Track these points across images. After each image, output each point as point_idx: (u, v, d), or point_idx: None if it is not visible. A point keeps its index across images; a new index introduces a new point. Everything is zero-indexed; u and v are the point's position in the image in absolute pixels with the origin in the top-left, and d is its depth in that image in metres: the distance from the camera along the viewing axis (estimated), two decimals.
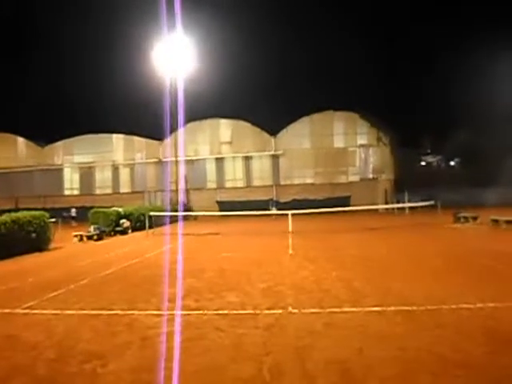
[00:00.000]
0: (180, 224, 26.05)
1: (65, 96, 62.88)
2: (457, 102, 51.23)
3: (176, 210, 30.37)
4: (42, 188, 44.61)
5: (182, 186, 38.74)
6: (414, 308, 6.77)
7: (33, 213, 17.45)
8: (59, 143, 46.13)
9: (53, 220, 19.39)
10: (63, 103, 61.44)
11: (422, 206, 26.81)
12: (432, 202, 23.91)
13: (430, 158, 64.36)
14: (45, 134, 46.47)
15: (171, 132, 39.23)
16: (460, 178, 40.28)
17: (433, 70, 76.43)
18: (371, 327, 5.98)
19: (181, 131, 38.85)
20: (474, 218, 21.14)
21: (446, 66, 71.57)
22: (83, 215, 26.40)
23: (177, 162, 38.91)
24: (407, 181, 36.15)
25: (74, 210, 34.99)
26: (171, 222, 25.42)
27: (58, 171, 45.90)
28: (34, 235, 16.68)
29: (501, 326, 5.79)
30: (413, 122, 53.33)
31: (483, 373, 4.43)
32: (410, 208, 30.38)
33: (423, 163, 63.67)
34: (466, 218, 21.57)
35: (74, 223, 32.65)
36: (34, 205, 35.48)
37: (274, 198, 39.05)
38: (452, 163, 60.81)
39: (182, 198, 37.33)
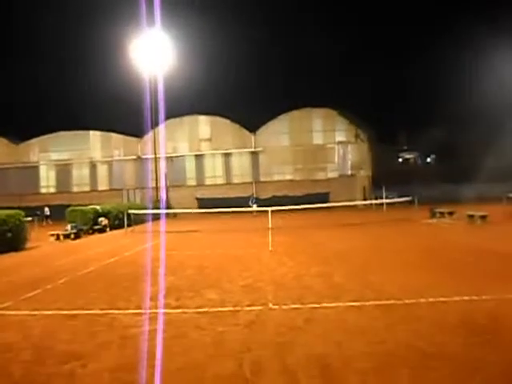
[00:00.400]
0: (160, 222, 25.86)
1: (41, 92, 61.60)
2: (433, 99, 52.15)
3: (158, 208, 30.15)
4: (17, 186, 43.60)
5: (162, 183, 38.39)
6: (392, 302, 6.89)
7: (8, 211, 17.08)
8: (35, 140, 45.19)
9: (29, 219, 19.02)
10: (39, 99, 60.20)
11: (399, 202, 27.23)
12: (409, 198, 24.30)
13: (406, 155, 65.35)
14: (20, 130, 45.46)
15: (150, 129, 38.88)
16: (436, 174, 40.99)
17: (409, 67, 77.45)
18: (351, 322, 6.06)
19: (160, 128, 38.53)
20: (450, 214, 21.56)
21: (422, 63, 72.56)
22: (60, 213, 25.93)
23: (156, 159, 38.59)
24: (385, 177, 36.64)
25: (47, 209, 34.22)
26: (151, 220, 25.19)
27: (34, 169, 44.99)
28: (9, 234, 16.31)
29: (476, 318, 5.93)
30: (390, 119, 53.97)
31: (459, 365, 4.53)
32: (388, 204, 30.82)
33: (400, 160, 64.63)
34: (442, 213, 21.98)
35: (49, 222, 32.01)
36: (9, 203, 34.60)
37: (254, 195, 39.06)
38: (428, 160, 61.86)
39: (163, 195, 37.00)
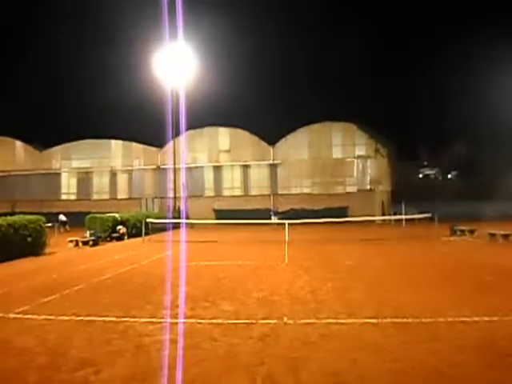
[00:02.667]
0: (178, 231, 25.99)
1: (64, 100, 63.05)
2: (455, 115, 51.63)
3: (178, 218, 30.31)
4: (39, 192, 44.42)
5: (183, 193, 38.53)
6: (409, 320, 6.76)
7: (29, 217, 17.38)
8: (57, 147, 46.07)
9: (49, 224, 19.31)
10: (62, 107, 61.59)
11: (419, 219, 26.84)
12: (429, 215, 23.93)
13: (427, 171, 64.58)
14: (43, 138, 46.56)
15: (170, 139, 39.28)
16: (457, 191, 40.37)
17: (431, 82, 77.02)
18: (366, 339, 5.96)
19: (182, 138, 38.89)
20: (471, 232, 21.14)
21: (444, 78, 72.12)
22: (80, 220, 26.23)
23: (175, 169, 38.88)
24: (404, 193, 36.20)
25: (61, 216, 34.43)
26: (168, 229, 25.35)
27: (56, 176, 45.77)
28: (29, 239, 16.59)
29: (495, 339, 5.77)
30: (411, 134, 53.66)
31: None
32: (407, 220, 30.41)
33: (420, 175, 63.87)
34: (462, 231, 21.57)
35: (67, 228, 32.12)
36: (30, 209, 35.23)
37: (273, 207, 38.88)
38: (449, 176, 61.01)
39: (183, 205, 37.09)
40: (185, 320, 7.04)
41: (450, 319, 6.75)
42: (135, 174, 44.82)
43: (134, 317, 7.29)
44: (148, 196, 43.49)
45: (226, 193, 43.16)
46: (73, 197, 45.65)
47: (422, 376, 4.66)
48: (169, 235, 23.46)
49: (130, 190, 44.74)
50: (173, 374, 4.81)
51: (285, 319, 6.97)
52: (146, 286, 10.05)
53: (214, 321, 6.98)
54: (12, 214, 21.71)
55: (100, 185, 45.29)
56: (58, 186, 45.68)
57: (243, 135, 42.72)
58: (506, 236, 18.41)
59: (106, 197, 44.70)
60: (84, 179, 45.47)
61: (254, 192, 42.54)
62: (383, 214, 36.93)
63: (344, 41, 74.74)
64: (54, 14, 74.27)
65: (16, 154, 46.40)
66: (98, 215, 24.59)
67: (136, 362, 5.29)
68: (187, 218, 34.38)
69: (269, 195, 41.88)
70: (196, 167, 43.17)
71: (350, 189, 41.04)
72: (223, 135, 43.33)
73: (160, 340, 6.02)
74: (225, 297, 8.72)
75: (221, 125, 43.41)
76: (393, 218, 32.95)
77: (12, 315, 7.55)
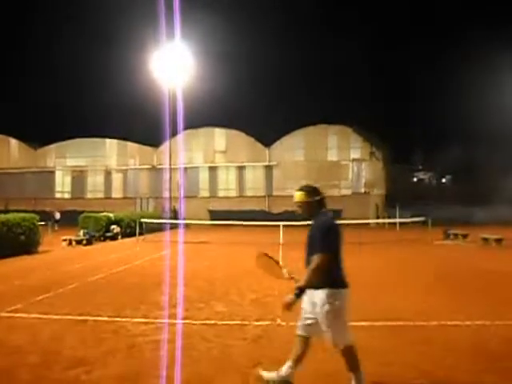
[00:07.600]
0: (173, 232, 25.92)
1: (59, 99, 62.77)
2: (450, 119, 51.88)
3: (175, 218, 30.21)
4: (33, 190, 44.22)
5: (181, 193, 38.39)
6: (402, 323, 6.78)
7: (22, 215, 17.29)
8: (52, 146, 45.91)
9: (42, 223, 19.21)
10: (57, 106, 61.30)
11: (412, 222, 26.94)
12: (423, 219, 24.03)
13: (421, 175, 64.83)
14: (38, 136, 46.34)
15: (166, 139, 39.16)
16: (451, 195, 40.54)
17: (427, 85, 77.42)
18: (358, 341, 5.90)
19: (179, 138, 38.82)
20: (464, 236, 21.23)
21: (440, 81, 72.51)
22: (73, 219, 26.11)
23: (171, 169, 38.80)
24: (399, 196, 36.33)
25: (58, 214, 34.31)
26: (163, 230, 25.28)
27: (50, 174, 45.60)
28: (22, 237, 16.49)
29: (488, 344, 5.80)
30: (406, 138, 53.88)
31: None
32: (401, 223, 30.50)
33: (415, 179, 64.11)
34: (455, 235, 21.66)
35: (56, 227, 31.85)
36: (24, 207, 35.03)
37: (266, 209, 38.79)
38: (444, 180, 61.30)
39: (181, 205, 36.93)
40: (178, 320, 7.02)
41: (442, 323, 6.78)
42: (130, 174, 44.72)
43: (127, 317, 7.26)
44: (143, 196, 43.38)
45: (221, 194, 43.16)
46: (67, 195, 45.50)
47: (413, 379, 4.68)
48: (163, 235, 23.42)
49: (125, 190, 44.64)
50: (166, 374, 4.80)
51: (278, 321, 6.98)
52: (140, 286, 10.03)
53: (207, 322, 6.98)
54: (5, 211, 21.60)
55: (94, 184, 45.17)
56: (52, 184, 45.52)
57: (239, 136, 42.77)
58: (498, 240, 18.51)
59: (101, 196, 44.58)
60: (78, 178, 45.33)
61: (249, 193, 42.57)
62: (377, 218, 37.04)
63: (341, 43, 74.93)
64: (51, 13, 73.99)
65: (10, 152, 46.19)
66: (92, 214, 24.51)
67: (128, 361, 5.27)
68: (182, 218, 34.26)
69: (264, 196, 41.91)
70: (191, 167, 43.12)
71: (344, 192, 41.14)
72: (219, 136, 43.36)
73: (153, 340, 6.00)
74: (219, 298, 8.72)
75: (217, 125, 43.43)
76: (387, 221, 33.05)
77: (4, 314, 7.50)
